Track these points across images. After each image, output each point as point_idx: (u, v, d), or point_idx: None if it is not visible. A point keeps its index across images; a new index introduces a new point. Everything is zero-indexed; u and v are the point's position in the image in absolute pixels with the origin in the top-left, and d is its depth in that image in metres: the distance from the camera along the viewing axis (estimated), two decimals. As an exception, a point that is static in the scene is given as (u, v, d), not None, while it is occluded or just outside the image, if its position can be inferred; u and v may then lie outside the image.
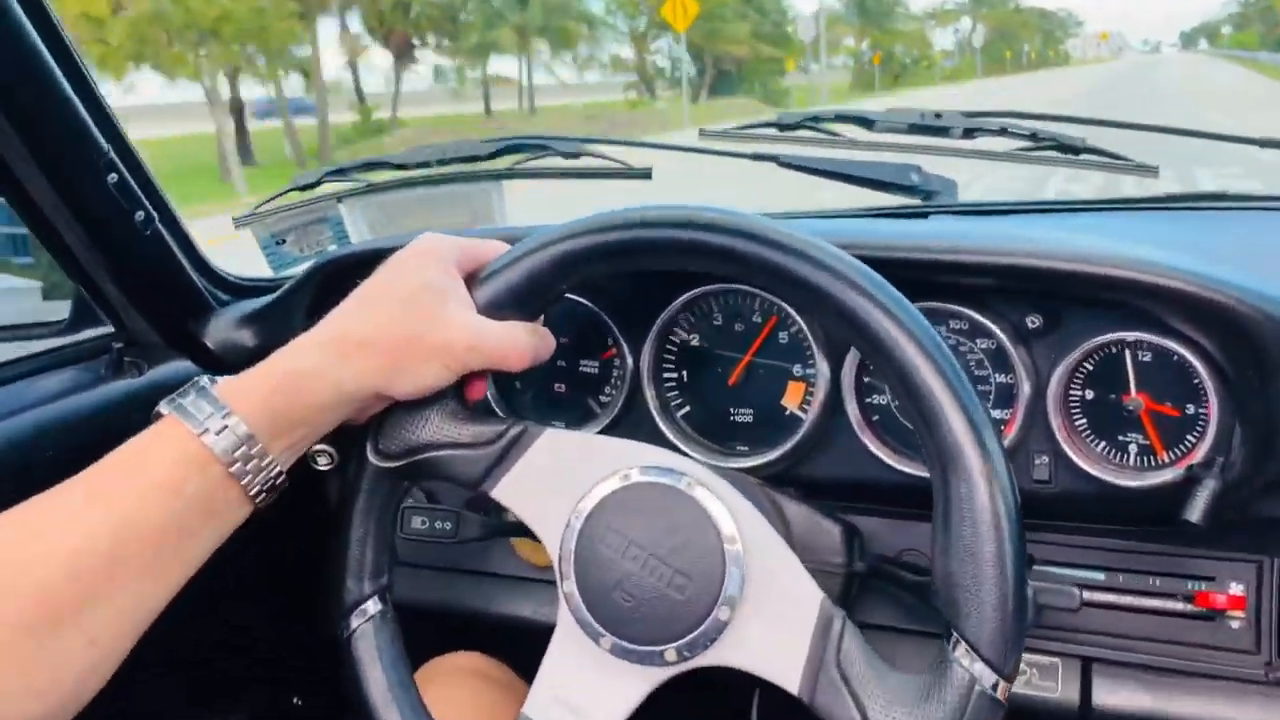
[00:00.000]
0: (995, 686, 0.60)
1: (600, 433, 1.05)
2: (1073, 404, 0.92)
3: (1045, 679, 0.95)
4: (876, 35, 58.66)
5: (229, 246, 1.40)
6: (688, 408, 1.05)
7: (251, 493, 0.65)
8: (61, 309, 1.16)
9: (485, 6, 29.14)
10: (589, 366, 1.09)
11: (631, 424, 1.04)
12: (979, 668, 0.59)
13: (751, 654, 0.64)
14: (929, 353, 0.62)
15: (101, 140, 0.95)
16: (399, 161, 1.26)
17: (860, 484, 0.99)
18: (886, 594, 0.96)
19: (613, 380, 1.08)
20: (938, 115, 1.15)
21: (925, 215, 1.18)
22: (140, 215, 1.00)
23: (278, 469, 0.66)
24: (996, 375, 0.95)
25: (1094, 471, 0.91)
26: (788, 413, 1.01)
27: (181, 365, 1.14)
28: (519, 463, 0.70)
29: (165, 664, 1.10)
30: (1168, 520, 0.84)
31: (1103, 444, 0.92)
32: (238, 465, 0.63)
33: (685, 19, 23.52)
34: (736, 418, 1.04)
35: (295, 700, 1.40)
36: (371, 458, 0.72)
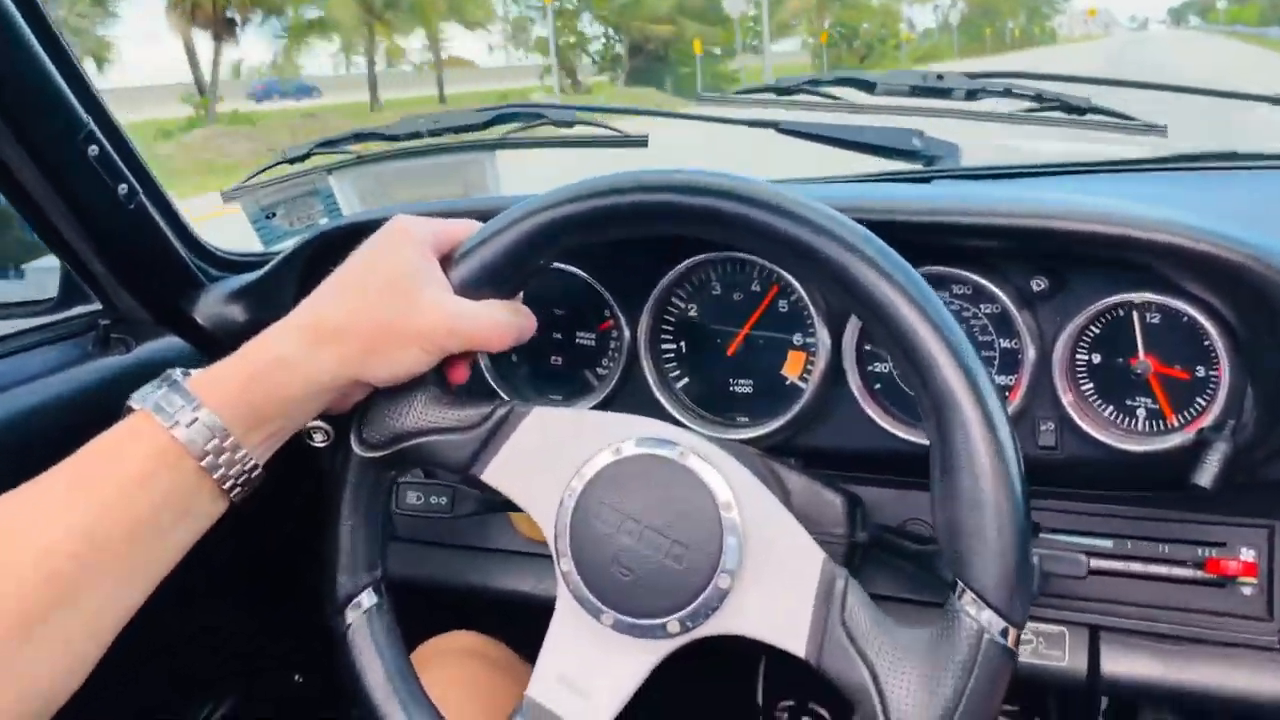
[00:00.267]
0: (1005, 633, 0.58)
1: (597, 406, 1.03)
2: (1079, 368, 0.90)
3: (1052, 648, 0.94)
4: (840, 12, 50.27)
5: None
6: (686, 379, 1.03)
7: (225, 487, 0.63)
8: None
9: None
10: (586, 339, 1.07)
11: (629, 396, 1.03)
12: (987, 615, 0.58)
13: (755, 620, 0.63)
14: (919, 304, 0.60)
15: (81, 112, 0.93)
16: (390, 133, 1.24)
17: (862, 453, 0.97)
18: (889, 564, 0.94)
19: (610, 353, 1.06)
20: (940, 77, 1.13)
21: (928, 180, 1.16)
22: (124, 189, 0.98)
23: (253, 462, 0.64)
24: (1001, 340, 0.93)
25: (1101, 437, 0.89)
26: (788, 383, 1.00)
27: (169, 342, 1.12)
28: (507, 444, 0.69)
29: (151, 652, 1.09)
30: (1177, 486, 0.82)
31: (1110, 409, 0.90)
32: (209, 459, 0.62)
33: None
34: (736, 389, 1.02)
35: (296, 678, 1.39)
36: (356, 448, 0.70)
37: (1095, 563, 0.90)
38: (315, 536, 0.73)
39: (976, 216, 0.85)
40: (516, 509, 1.03)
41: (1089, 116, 1.07)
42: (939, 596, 0.61)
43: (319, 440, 0.72)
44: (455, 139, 1.25)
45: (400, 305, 0.66)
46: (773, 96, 1.18)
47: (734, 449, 0.68)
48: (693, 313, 1.02)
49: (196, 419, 0.61)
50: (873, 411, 0.95)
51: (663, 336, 1.02)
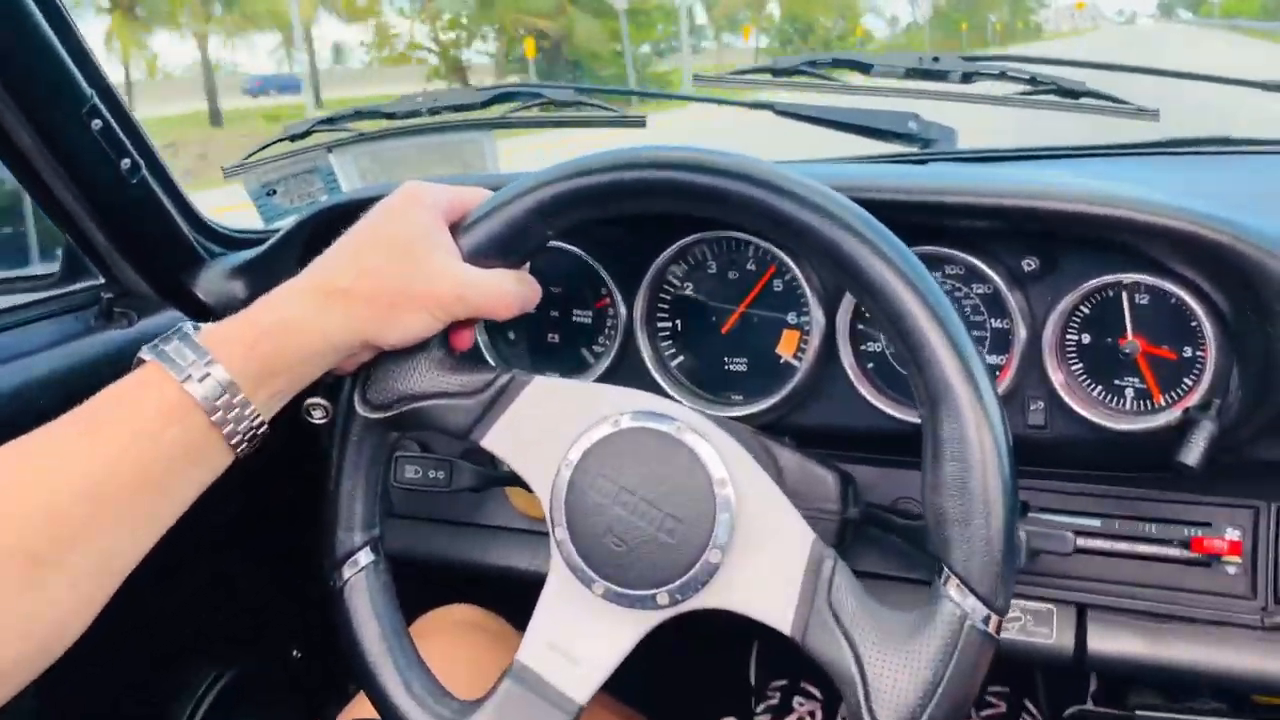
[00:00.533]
0: (987, 620, 0.59)
1: (595, 382, 1.04)
2: (1069, 348, 0.92)
3: (1040, 625, 0.95)
4: (791, 4, 46.08)
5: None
6: (681, 357, 1.04)
7: (233, 442, 0.64)
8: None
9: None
10: (582, 316, 1.08)
11: (625, 373, 1.04)
12: (970, 602, 0.59)
13: (743, 596, 0.64)
14: (919, 290, 0.61)
15: (85, 85, 0.93)
16: (389, 110, 1.24)
17: (855, 432, 0.98)
18: (880, 542, 0.96)
19: (606, 330, 1.07)
20: (936, 59, 1.13)
21: (924, 163, 1.17)
22: (126, 163, 0.99)
23: (260, 418, 0.65)
24: (992, 320, 0.94)
25: (1090, 416, 0.90)
26: (782, 361, 1.01)
27: (172, 316, 1.13)
28: (508, 411, 0.70)
29: (158, 617, 1.11)
30: (1164, 465, 0.83)
31: (1099, 388, 0.91)
32: (219, 414, 0.63)
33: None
34: (731, 367, 1.03)
35: (295, 653, 1.41)
36: (359, 408, 0.71)
37: (1082, 541, 0.91)
38: (315, 505, 0.74)
39: (968, 196, 0.86)
40: (514, 483, 1.05)
41: (1083, 100, 1.08)
42: (927, 575, 0.62)
43: (318, 417, 0.73)
44: (455, 117, 1.25)
45: (410, 270, 0.67)
46: (769, 78, 1.18)
47: (729, 426, 0.69)
48: (689, 291, 1.03)
49: (209, 374, 0.62)
50: (865, 390, 0.96)
51: (659, 314, 1.03)
